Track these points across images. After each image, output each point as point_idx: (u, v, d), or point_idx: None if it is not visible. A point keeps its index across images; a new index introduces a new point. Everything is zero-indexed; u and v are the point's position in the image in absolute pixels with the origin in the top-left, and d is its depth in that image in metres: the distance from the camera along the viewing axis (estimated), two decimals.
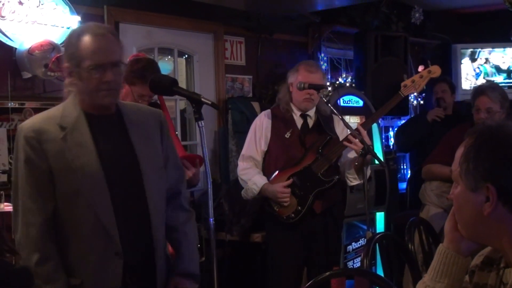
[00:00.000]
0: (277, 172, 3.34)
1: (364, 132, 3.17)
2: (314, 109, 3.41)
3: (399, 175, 5.84)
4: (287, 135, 3.36)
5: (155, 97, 2.90)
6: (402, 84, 3.48)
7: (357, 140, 3.11)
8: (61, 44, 3.58)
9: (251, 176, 3.36)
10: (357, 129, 3.19)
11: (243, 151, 3.47)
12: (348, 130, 3.22)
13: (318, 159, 3.29)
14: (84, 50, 1.91)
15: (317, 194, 3.28)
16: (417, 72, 3.98)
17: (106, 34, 1.97)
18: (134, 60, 2.80)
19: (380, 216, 4.85)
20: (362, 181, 3.22)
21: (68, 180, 1.92)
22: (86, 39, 1.92)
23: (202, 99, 1.97)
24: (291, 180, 3.27)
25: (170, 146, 2.18)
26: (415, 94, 5.72)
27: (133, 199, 2.02)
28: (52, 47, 3.51)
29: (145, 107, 2.28)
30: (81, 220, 1.94)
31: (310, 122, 3.41)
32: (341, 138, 3.36)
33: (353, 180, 3.36)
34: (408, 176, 5.85)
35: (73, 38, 1.97)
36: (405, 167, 6.21)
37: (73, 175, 1.92)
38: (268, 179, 3.34)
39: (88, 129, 1.96)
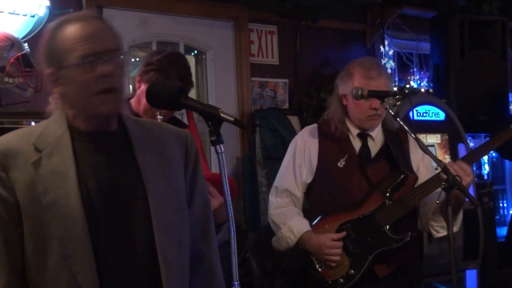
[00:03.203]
0: (323, 216, 3.29)
1: (468, 169, 3.01)
2: (379, 126, 3.37)
3: (497, 217, 5.73)
4: (341, 163, 3.31)
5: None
6: None
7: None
8: (23, 39, 3.65)
9: (286, 219, 3.32)
10: (457, 165, 3.00)
11: (277, 182, 3.46)
12: (430, 159, 3.11)
13: (385, 205, 3.21)
14: (66, 41, 1.93)
15: (380, 254, 3.19)
16: None
17: (91, 19, 1.99)
18: (153, 51, 2.82)
19: (471, 275, 4.80)
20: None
21: (36, 221, 1.92)
22: (67, 28, 1.95)
23: (222, 115, 1.95)
24: (344, 233, 3.21)
25: (198, 183, 2.19)
26: None
27: (137, 251, 2.00)
28: (11, 43, 3.53)
29: (165, 125, 2.29)
30: (53, 278, 1.93)
31: (373, 146, 3.35)
32: (419, 168, 3.30)
33: (440, 230, 3.24)
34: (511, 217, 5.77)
35: (50, 33, 1.99)
36: (505, 205, 6.14)
37: (43, 215, 1.91)
38: (310, 224, 3.29)
39: (72, 152, 1.96)
